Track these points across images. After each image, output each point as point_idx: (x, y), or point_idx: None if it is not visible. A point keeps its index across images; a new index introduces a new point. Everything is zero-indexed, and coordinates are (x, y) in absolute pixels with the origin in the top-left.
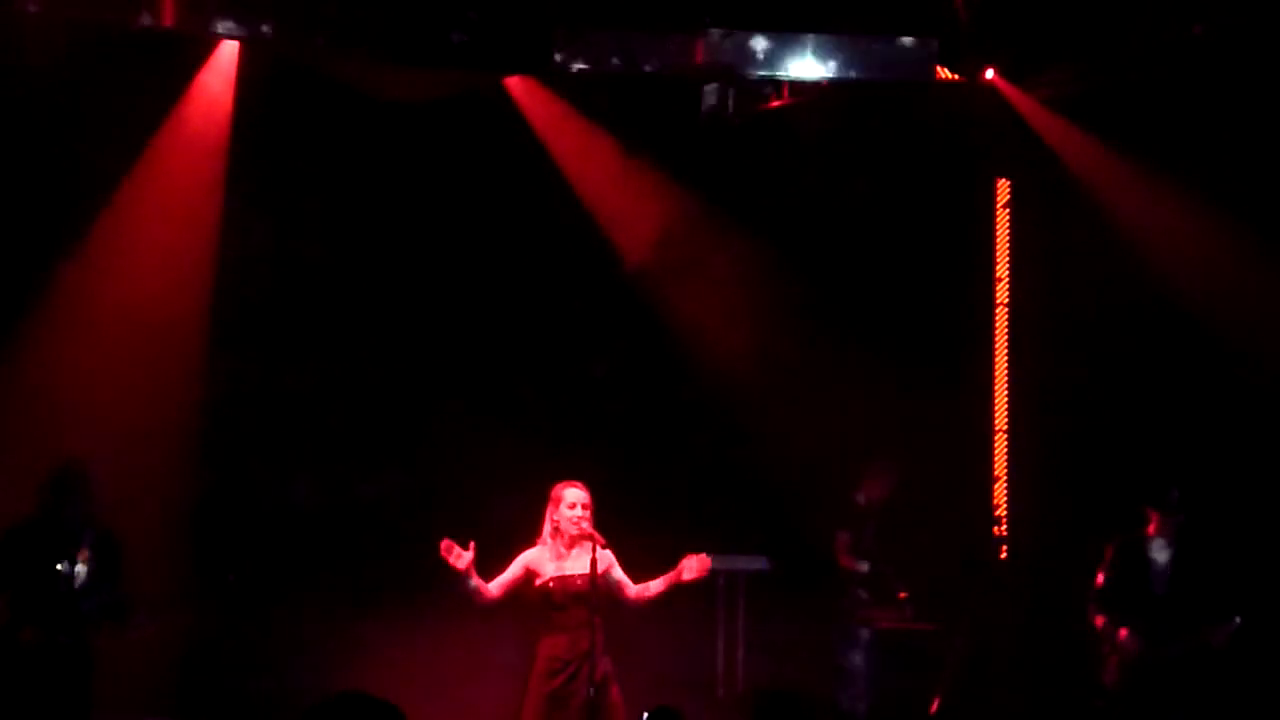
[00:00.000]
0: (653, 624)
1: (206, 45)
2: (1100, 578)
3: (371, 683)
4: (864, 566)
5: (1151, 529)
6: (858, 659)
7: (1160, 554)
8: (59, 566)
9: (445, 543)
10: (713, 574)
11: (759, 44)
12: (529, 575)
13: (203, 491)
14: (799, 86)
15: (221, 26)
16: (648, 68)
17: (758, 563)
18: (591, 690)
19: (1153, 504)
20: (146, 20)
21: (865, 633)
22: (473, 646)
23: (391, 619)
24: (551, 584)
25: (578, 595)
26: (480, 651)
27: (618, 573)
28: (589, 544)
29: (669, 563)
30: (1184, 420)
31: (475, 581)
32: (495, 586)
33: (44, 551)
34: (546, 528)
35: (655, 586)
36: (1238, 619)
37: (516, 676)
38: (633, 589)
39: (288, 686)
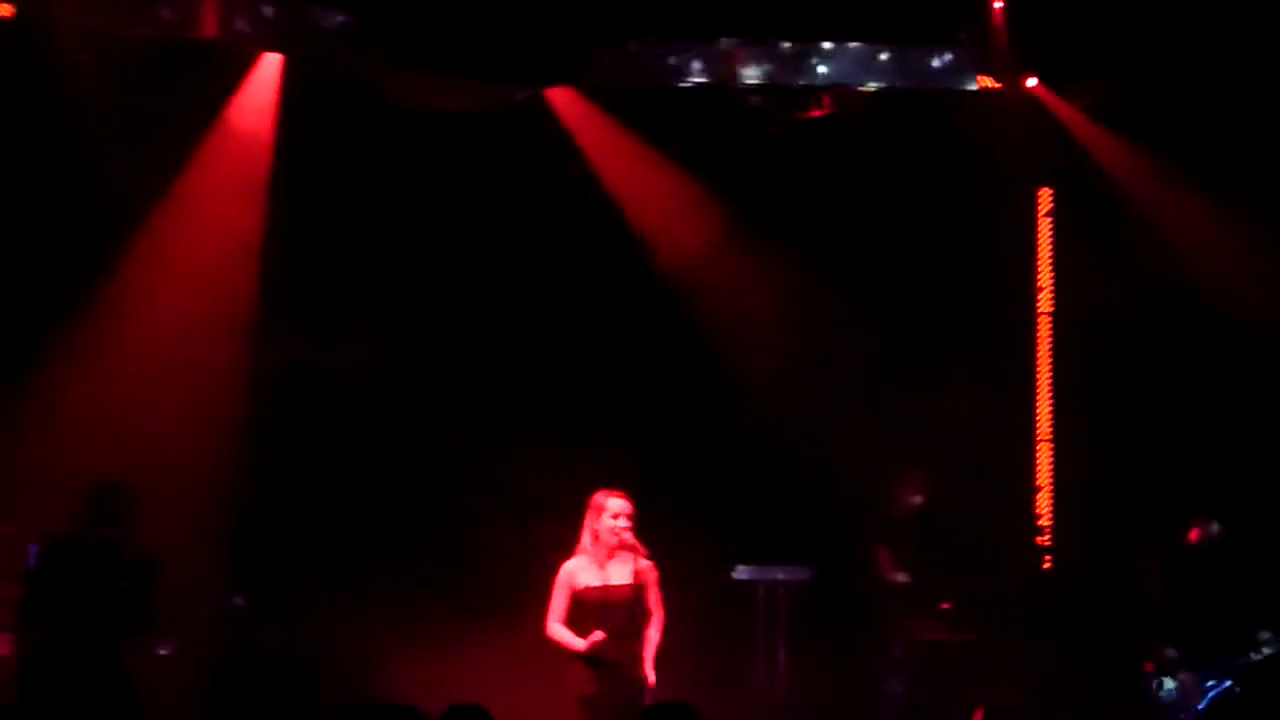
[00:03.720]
0: (693, 633)
1: (250, 58)
2: (1152, 594)
3: (414, 689)
4: (904, 578)
5: (1194, 538)
6: (896, 684)
7: (1209, 566)
8: (102, 583)
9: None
10: (753, 584)
11: (800, 54)
12: (572, 590)
13: (243, 505)
14: (840, 96)
15: (264, 40)
16: (688, 78)
17: (798, 573)
18: (632, 696)
19: (1197, 513)
20: (191, 33)
21: (903, 652)
22: (511, 653)
23: (430, 625)
24: (590, 593)
25: (616, 604)
26: (518, 657)
27: (652, 595)
28: (629, 554)
29: (710, 572)
30: (1229, 431)
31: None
32: (558, 627)
33: (84, 570)
34: (586, 536)
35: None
36: None
37: (554, 682)
38: (654, 624)
39: (324, 697)
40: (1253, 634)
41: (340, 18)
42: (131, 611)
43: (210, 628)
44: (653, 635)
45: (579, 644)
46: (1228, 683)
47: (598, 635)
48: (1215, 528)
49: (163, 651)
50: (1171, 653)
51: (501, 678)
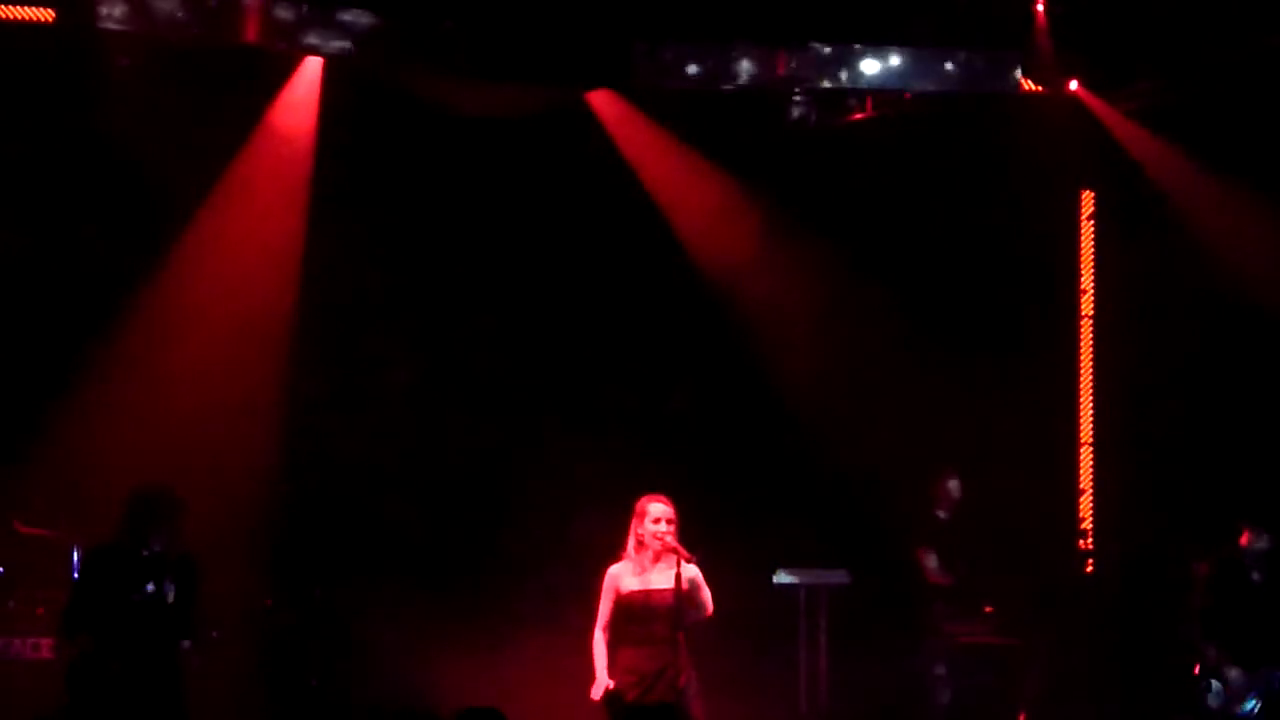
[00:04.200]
0: (737, 638)
1: (292, 61)
2: (1198, 600)
3: (452, 690)
4: (946, 580)
5: (1244, 543)
6: (941, 686)
7: (1256, 569)
8: (147, 589)
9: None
10: (795, 588)
11: (841, 57)
12: (617, 594)
13: (282, 504)
14: (882, 99)
15: (306, 43)
16: (729, 82)
17: (839, 576)
18: (673, 700)
19: (1245, 519)
20: (235, 38)
21: (946, 655)
22: (551, 655)
23: (473, 629)
24: (633, 597)
25: (659, 610)
26: (558, 661)
27: (705, 593)
28: (673, 558)
29: (751, 577)
30: (1270, 429)
31: (602, 679)
32: (602, 632)
33: (129, 573)
34: (630, 541)
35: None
36: None
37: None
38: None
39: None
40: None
41: (377, 21)
42: (175, 616)
43: (252, 630)
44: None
45: (599, 681)
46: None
47: (608, 685)
48: (1265, 538)
49: (214, 634)
50: (1215, 655)
51: (537, 676)
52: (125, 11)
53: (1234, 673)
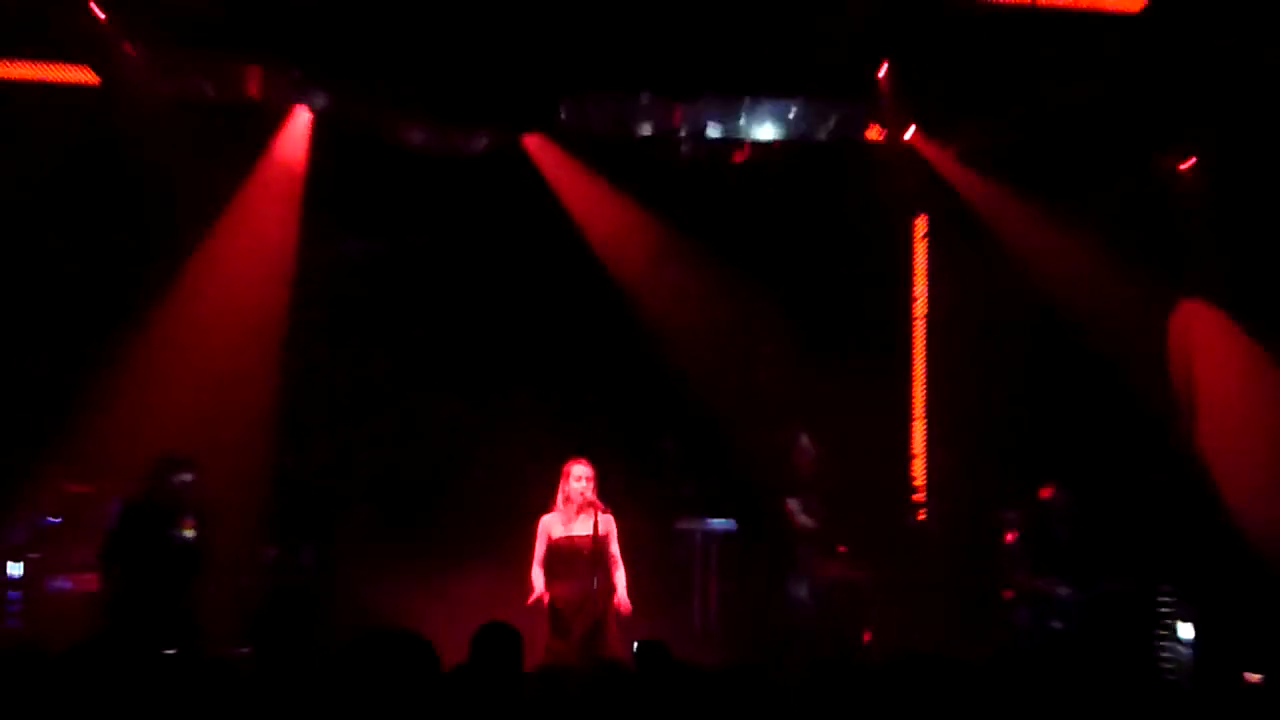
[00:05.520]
0: (646, 573)
1: (284, 114)
2: (1010, 540)
3: (415, 618)
4: (813, 524)
5: (1047, 496)
6: (805, 611)
7: (1058, 518)
8: (169, 535)
9: (537, 599)
10: (691, 533)
11: (725, 108)
12: (548, 539)
13: (277, 467)
14: (758, 143)
15: (297, 99)
16: (635, 128)
17: (726, 524)
18: (593, 622)
19: (1048, 476)
20: (237, 94)
21: (809, 586)
22: (498, 590)
23: (432, 566)
24: (559, 543)
25: (581, 552)
26: (504, 594)
27: (614, 545)
28: (591, 510)
29: (659, 526)
30: (1067, 406)
31: (538, 592)
32: (538, 568)
33: (156, 521)
34: (559, 496)
35: (620, 596)
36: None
37: (531, 613)
38: (617, 571)
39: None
40: (1096, 576)
41: (353, 79)
42: (191, 557)
43: (253, 570)
44: (619, 576)
45: (536, 589)
46: (1071, 609)
47: (544, 594)
48: (1062, 492)
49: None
50: (1026, 585)
51: (491, 602)
52: (154, 74)
53: (1058, 588)
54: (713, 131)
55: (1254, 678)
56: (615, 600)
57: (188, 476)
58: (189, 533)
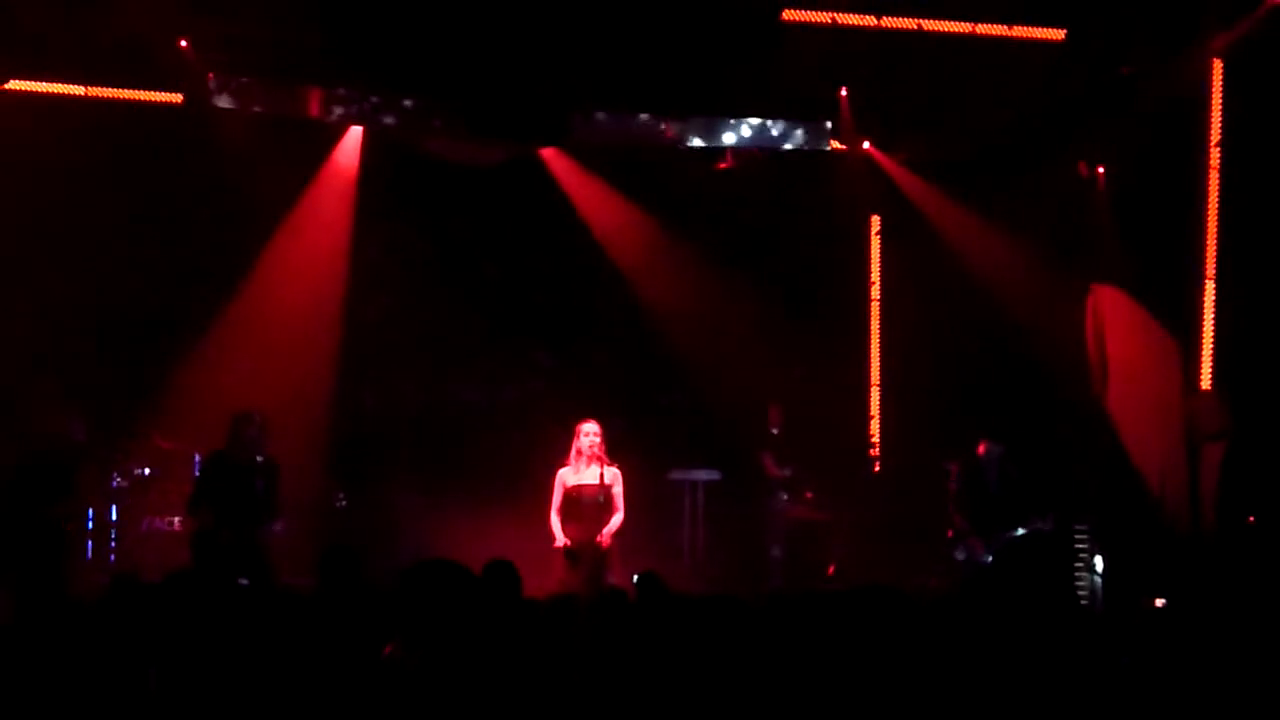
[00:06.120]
0: (643, 517)
1: (340, 129)
2: (952, 488)
3: (457, 551)
4: (787, 472)
5: (981, 450)
6: (778, 550)
7: (990, 468)
8: (244, 484)
9: (560, 546)
10: (681, 482)
11: (711, 125)
12: (564, 488)
13: (341, 428)
14: (739, 154)
15: (350, 117)
16: (635, 141)
17: (711, 474)
18: (594, 557)
19: (981, 434)
20: (298, 111)
21: (782, 527)
22: (521, 529)
23: (466, 514)
24: (571, 491)
25: (588, 498)
26: (528, 533)
27: (617, 490)
28: (599, 463)
29: (652, 475)
30: (998, 374)
31: (561, 538)
32: (555, 513)
33: (233, 472)
34: (572, 451)
35: (605, 532)
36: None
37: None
38: (614, 515)
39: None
40: (1022, 517)
41: (395, 101)
42: (264, 503)
43: (317, 514)
44: (615, 519)
45: (558, 538)
46: (1001, 545)
47: (565, 541)
48: (996, 447)
49: (279, 527)
50: (964, 525)
51: (516, 542)
52: (229, 94)
53: (973, 542)
54: (699, 143)
55: (1159, 603)
56: (601, 534)
57: (259, 432)
58: (260, 482)
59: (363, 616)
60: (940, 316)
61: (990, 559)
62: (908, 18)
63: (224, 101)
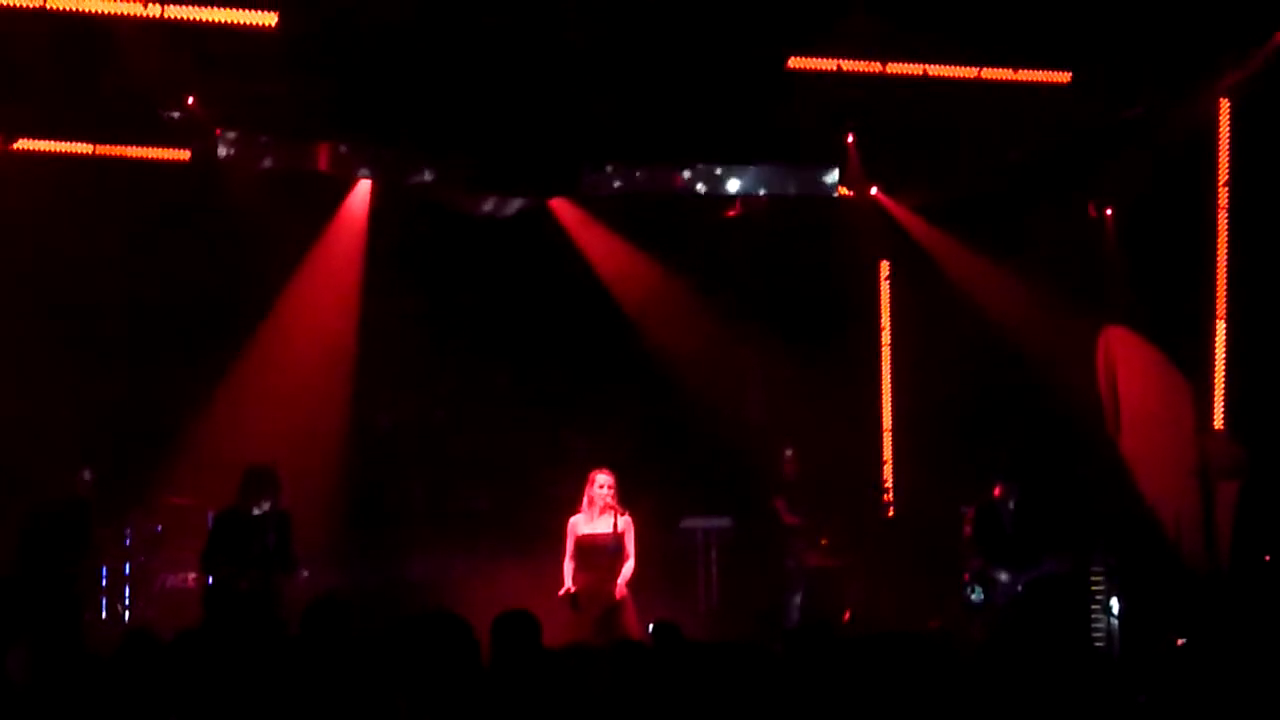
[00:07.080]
0: (657, 564)
1: (349, 182)
2: (968, 530)
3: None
4: (796, 521)
5: (997, 493)
6: (793, 595)
7: (1005, 510)
8: (256, 539)
9: (564, 594)
10: (694, 530)
11: (719, 172)
12: (576, 537)
13: (353, 482)
14: (747, 200)
15: (359, 171)
16: (644, 189)
17: (724, 521)
18: (613, 604)
19: (997, 477)
20: (314, 166)
21: (797, 573)
22: (536, 579)
23: (479, 562)
24: (584, 540)
25: (602, 547)
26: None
27: (629, 542)
28: (612, 512)
29: (665, 522)
30: (1011, 417)
31: (568, 585)
32: (569, 562)
33: (245, 526)
34: (584, 499)
35: (619, 582)
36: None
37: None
38: (626, 563)
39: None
40: (1037, 559)
41: (404, 154)
42: (278, 556)
43: (330, 564)
44: (627, 567)
45: (566, 583)
46: (1019, 589)
47: (570, 588)
48: (1011, 490)
49: (305, 574)
50: (980, 565)
51: (528, 588)
52: (236, 150)
53: (1001, 574)
54: (706, 190)
55: (1180, 641)
56: (616, 585)
57: (270, 487)
58: (271, 536)
59: (348, 668)
60: (953, 360)
61: (1003, 603)
62: (913, 63)
63: (232, 157)
